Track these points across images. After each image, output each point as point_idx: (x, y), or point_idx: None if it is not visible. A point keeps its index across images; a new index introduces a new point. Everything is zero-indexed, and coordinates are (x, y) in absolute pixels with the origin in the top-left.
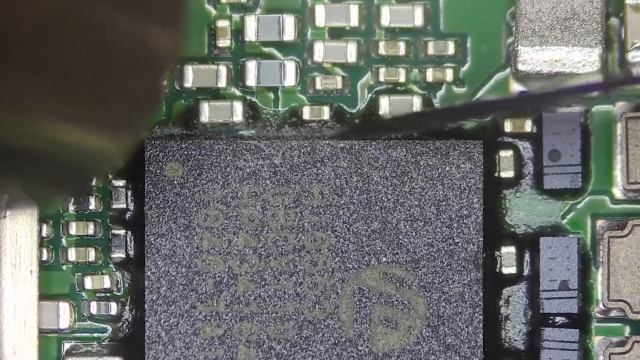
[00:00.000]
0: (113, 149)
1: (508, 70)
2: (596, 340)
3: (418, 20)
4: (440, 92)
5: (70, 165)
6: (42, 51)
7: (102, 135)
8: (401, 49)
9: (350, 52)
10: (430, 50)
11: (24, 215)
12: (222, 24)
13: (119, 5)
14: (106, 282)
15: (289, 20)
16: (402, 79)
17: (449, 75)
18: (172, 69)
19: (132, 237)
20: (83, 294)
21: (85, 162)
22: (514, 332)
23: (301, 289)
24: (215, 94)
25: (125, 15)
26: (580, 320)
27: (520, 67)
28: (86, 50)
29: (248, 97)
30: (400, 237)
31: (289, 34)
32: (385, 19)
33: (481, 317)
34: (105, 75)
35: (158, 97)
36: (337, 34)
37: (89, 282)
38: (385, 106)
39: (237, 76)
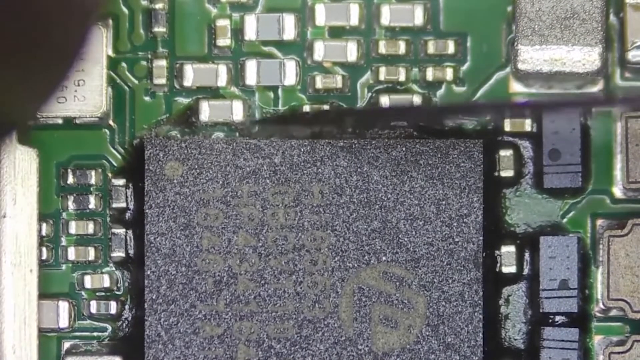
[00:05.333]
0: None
1: (508, 69)
2: (596, 339)
3: (418, 19)
4: (440, 91)
5: None
6: None
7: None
8: (401, 48)
9: (351, 51)
10: (431, 49)
11: (23, 215)
12: (222, 23)
13: None
14: (106, 281)
15: (289, 20)
16: (402, 78)
17: (449, 74)
18: (97, 15)
19: (132, 236)
20: (83, 293)
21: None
22: (514, 332)
23: (301, 288)
24: (215, 93)
25: None
26: (580, 320)
27: (520, 66)
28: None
29: (248, 97)
30: (400, 236)
31: (289, 33)
32: (386, 18)
33: (481, 316)
34: (28, 26)
35: (83, 46)
36: (337, 33)
37: (88, 281)
38: (385, 105)
39: (237, 75)
